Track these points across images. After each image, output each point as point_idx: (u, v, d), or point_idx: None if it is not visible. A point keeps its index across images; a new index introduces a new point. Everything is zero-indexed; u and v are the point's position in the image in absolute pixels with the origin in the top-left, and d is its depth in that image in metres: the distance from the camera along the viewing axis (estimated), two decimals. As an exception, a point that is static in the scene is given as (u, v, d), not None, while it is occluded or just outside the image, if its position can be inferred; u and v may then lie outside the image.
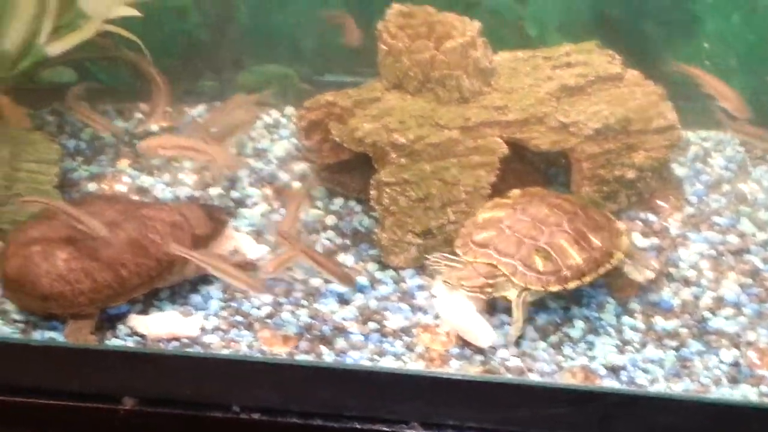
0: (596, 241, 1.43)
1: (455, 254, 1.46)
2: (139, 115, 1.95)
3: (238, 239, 1.60)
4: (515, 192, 1.53)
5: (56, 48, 1.69)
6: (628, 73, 1.62)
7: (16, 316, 1.46)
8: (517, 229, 1.44)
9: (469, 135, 1.51)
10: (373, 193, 1.52)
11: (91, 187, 1.73)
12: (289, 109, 1.98)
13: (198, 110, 1.99)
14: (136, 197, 1.69)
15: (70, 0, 1.68)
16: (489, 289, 1.41)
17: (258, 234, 1.63)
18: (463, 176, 1.51)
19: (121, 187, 1.73)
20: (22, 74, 1.70)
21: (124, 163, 1.81)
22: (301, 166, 1.80)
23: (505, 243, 1.42)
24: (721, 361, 1.38)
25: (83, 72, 1.94)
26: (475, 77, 1.54)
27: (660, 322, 1.45)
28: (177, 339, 1.42)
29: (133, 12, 1.69)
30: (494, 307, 1.46)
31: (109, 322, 1.45)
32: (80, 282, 1.39)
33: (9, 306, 1.47)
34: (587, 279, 1.42)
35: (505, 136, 1.52)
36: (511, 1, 1.86)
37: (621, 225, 1.50)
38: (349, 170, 1.68)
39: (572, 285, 1.41)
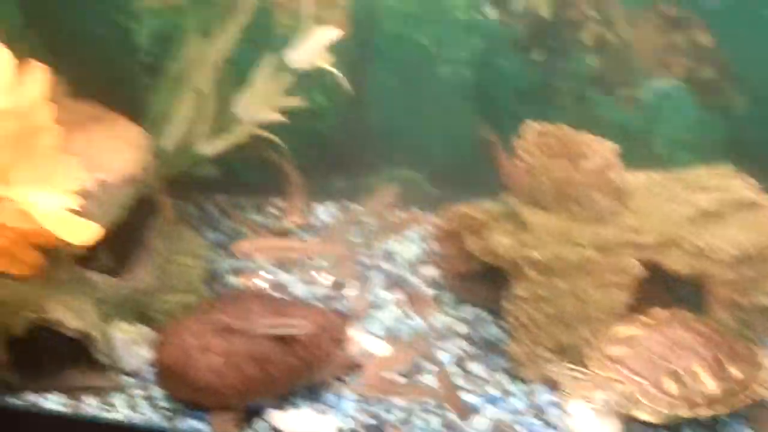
0: (734, 371, 1.44)
1: (584, 369, 1.49)
2: (273, 210, 2.07)
3: (369, 342, 1.67)
4: (652, 311, 1.55)
5: (210, 149, 1.82)
6: (764, 199, 1.64)
7: (163, 404, 1.55)
8: (652, 348, 1.46)
9: (605, 254, 1.55)
10: (507, 306, 1.56)
11: (233, 281, 1.83)
12: (415, 212, 2.07)
13: (326, 208, 2.10)
14: (275, 293, 1.79)
15: (225, 105, 1.82)
16: (618, 408, 1.42)
17: (389, 337, 1.69)
18: (598, 295, 1.54)
19: (260, 283, 1.83)
20: (177, 172, 1.83)
21: (260, 256, 1.91)
22: (430, 271, 1.87)
23: (637, 361, 1.44)
24: None
25: (223, 166, 2.07)
26: (612, 198, 1.59)
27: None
28: (314, 437, 1.48)
29: (281, 118, 1.82)
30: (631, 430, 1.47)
31: (248, 415, 1.52)
32: (231, 376, 1.47)
33: (156, 392, 1.56)
34: (721, 409, 1.42)
35: (641, 257, 1.56)
36: (639, 117, 1.91)
37: (762, 357, 1.50)
38: (479, 280, 1.73)
39: (704, 413, 1.41)
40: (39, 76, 1.35)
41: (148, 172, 1.58)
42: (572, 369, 1.50)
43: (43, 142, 1.36)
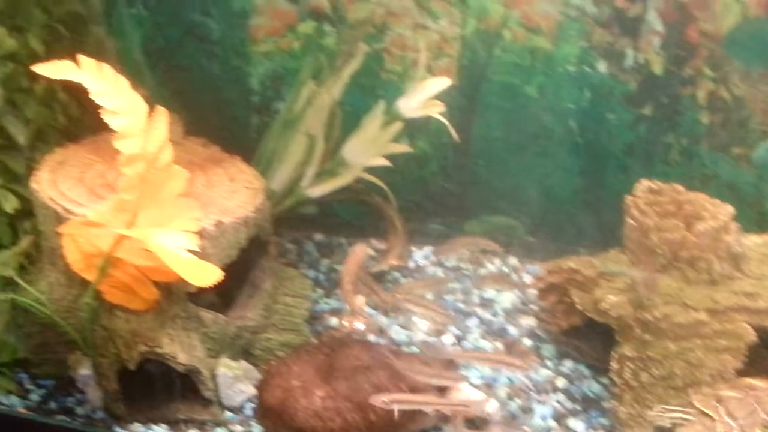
0: None
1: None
2: (371, 252, 2.09)
3: (469, 392, 1.66)
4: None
5: (317, 191, 1.86)
6: None
7: (263, 442, 1.58)
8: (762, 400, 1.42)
9: (717, 318, 1.52)
10: (613, 365, 1.54)
11: (333, 321, 1.85)
12: (513, 260, 2.07)
13: (424, 252, 2.11)
14: (372, 337, 1.80)
15: (334, 150, 1.86)
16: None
17: (489, 387, 1.68)
18: (708, 359, 1.51)
19: (359, 325, 1.85)
20: (283, 212, 1.87)
21: (360, 300, 1.93)
22: (528, 321, 1.86)
23: (738, 406, 1.40)
24: None
25: (323, 205, 2.11)
26: (726, 261, 1.56)
27: None
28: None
29: (386, 162, 1.84)
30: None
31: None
32: (332, 420, 1.49)
33: (257, 429, 1.58)
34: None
35: (754, 323, 1.52)
36: (752, 177, 1.87)
37: None
38: (582, 335, 1.71)
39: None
40: (164, 120, 1.40)
41: (261, 214, 1.62)
42: (668, 409, 1.47)
43: (167, 184, 1.41)
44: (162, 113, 1.37)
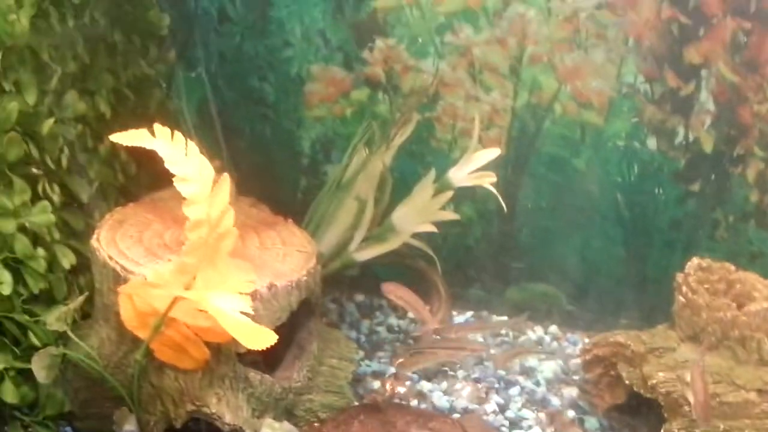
0: None
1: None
2: (411, 314, 2.10)
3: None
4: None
5: (364, 255, 1.89)
6: None
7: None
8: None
9: (766, 399, 1.51)
10: (662, 443, 1.53)
11: (375, 384, 1.86)
12: (553, 328, 2.07)
13: (465, 317, 2.12)
14: (414, 401, 1.80)
15: (383, 215, 1.89)
16: None
17: (531, 459, 1.68)
18: (758, 440, 1.50)
19: (400, 388, 1.85)
20: (329, 274, 1.89)
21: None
22: (570, 392, 1.85)
23: None
24: None
25: (364, 266, 2.13)
26: (777, 342, 1.56)
27: None
28: None
29: (433, 229, 1.87)
30: None
31: None
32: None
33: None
34: None
35: (804, 405, 1.51)
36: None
37: None
38: (627, 409, 1.70)
39: None
40: (227, 186, 1.44)
41: (313, 278, 1.64)
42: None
43: (225, 247, 1.45)
44: (225, 179, 1.41)
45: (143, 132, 1.38)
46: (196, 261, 1.40)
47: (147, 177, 1.89)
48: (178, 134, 1.39)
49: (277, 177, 2.11)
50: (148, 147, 1.35)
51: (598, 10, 1.79)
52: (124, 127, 1.80)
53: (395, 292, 1.84)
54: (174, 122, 2.04)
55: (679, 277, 1.62)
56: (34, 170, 1.58)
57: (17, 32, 1.46)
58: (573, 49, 1.84)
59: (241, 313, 1.40)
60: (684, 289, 1.59)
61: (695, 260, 1.64)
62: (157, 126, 1.39)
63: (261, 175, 2.10)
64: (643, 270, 1.96)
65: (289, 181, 2.11)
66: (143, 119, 1.90)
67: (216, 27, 2.03)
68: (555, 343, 2.03)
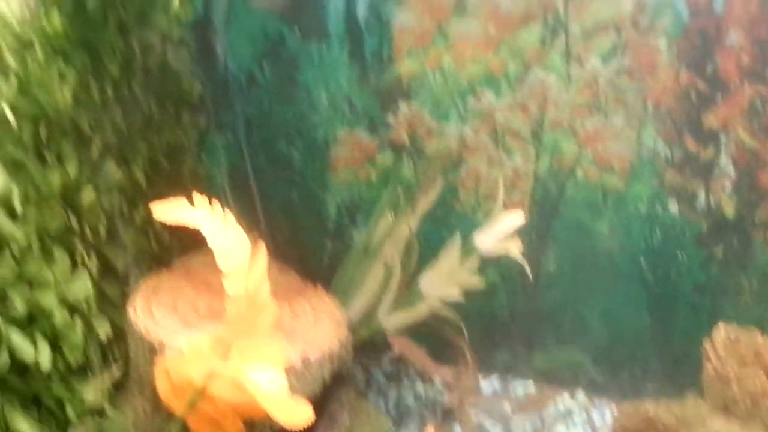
0: None
1: None
2: (438, 380, 2.11)
3: None
4: None
5: (392, 322, 1.90)
6: None
7: None
8: None
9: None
10: None
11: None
12: (580, 394, 2.07)
13: (490, 381, 2.12)
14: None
15: (410, 281, 1.91)
16: None
17: None
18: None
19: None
20: (357, 341, 1.91)
21: (429, 430, 1.94)
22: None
23: None
24: None
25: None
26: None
27: None
28: None
29: (460, 295, 1.89)
30: None
31: None
32: None
33: None
34: None
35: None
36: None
37: None
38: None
39: None
40: (264, 257, 1.47)
41: (344, 347, 1.66)
42: None
43: (260, 318, 1.47)
44: (262, 251, 1.44)
45: (183, 203, 1.41)
46: (233, 334, 1.42)
47: (178, 242, 1.92)
48: (216, 204, 1.42)
49: (303, 241, 2.14)
50: (189, 219, 1.38)
51: (617, 76, 1.84)
52: (158, 194, 1.84)
53: (403, 346, 1.86)
54: (205, 188, 2.09)
55: (707, 345, 1.64)
56: (74, 240, 1.61)
57: (61, 106, 1.50)
58: (593, 114, 1.88)
59: (277, 387, 1.41)
60: (712, 358, 1.60)
61: (722, 328, 1.66)
62: (196, 196, 1.42)
63: (288, 240, 2.13)
64: (668, 334, 1.97)
65: (315, 245, 2.14)
66: (176, 186, 1.95)
67: (245, 93, 2.08)
68: (583, 413, 2.03)
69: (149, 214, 1.80)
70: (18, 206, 1.46)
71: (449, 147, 1.99)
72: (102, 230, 1.67)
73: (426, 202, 1.92)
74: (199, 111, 2.06)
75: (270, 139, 2.10)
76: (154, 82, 1.80)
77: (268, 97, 2.07)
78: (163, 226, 1.87)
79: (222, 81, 2.07)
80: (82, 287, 1.59)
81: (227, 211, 1.45)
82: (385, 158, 2.05)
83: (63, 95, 1.50)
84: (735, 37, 1.73)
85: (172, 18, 1.83)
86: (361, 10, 1.92)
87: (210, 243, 1.36)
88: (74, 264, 1.60)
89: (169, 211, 1.39)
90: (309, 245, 2.14)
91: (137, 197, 1.78)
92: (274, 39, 2.00)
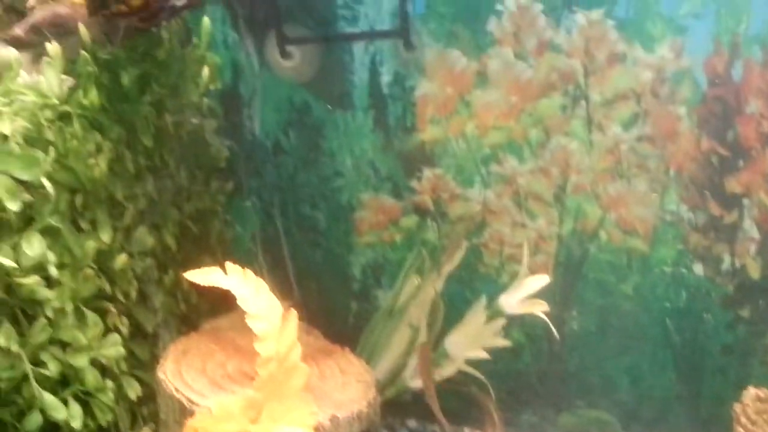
0: None
1: None
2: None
3: None
4: None
5: (418, 382, 1.91)
6: None
7: None
8: None
9: None
10: None
11: None
12: (609, 455, 2.06)
13: (518, 439, 2.12)
14: None
15: (436, 341, 1.93)
16: None
17: None
18: None
19: None
20: (383, 402, 1.91)
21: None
22: None
23: None
24: None
25: (416, 391, 2.14)
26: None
27: None
28: None
29: (486, 356, 1.89)
30: None
31: None
32: None
33: None
34: None
35: None
36: None
37: None
38: None
39: None
40: (295, 321, 1.49)
41: (373, 408, 1.67)
42: None
43: (294, 383, 1.49)
44: (293, 315, 1.47)
45: (216, 270, 1.44)
46: (263, 396, 1.43)
47: (205, 304, 1.96)
48: (249, 272, 1.45)
49: (328, 302, 2.17)
50: (223, 285, 1.42)
51: (638, 142, 1.87)
52: (187, 258, 1.89)
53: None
54: (233, 252, 2.13)
55: (737, 408, 1.63)
56: (106, 304, 1.65)
57: (96, 176, 1.55)
58: (615, 179, 1.91)
59: (306, 447, 1.42)
60: (743, 421, 1.60)
61: (752, 390, 1.65)
62: (229, 264, 1.45)
63: (313, 300, 2.16)
64: (696, 395, 1.96)
65: (340, 306, 2.16)
66: (204, 249, 1.99)
67: (271, 159, 2.13)
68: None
69: (179, 277, 1.85)
70: (54, 272, 1.50)
71: (473, 211, 2.02)
72: (133, 293, 1.70)
73: (450, 264, 1.95)
74: (227, 177, 2.11)
75: (295, 203, 2.14)
76: (184, 150, 1.86)
77: (294, 162, 2.12)
78: (192, 288, 1.92)
79: (249, 148, 2.13)
80: (113, 349, 1.62)
81: (260, 279, 1.49)
82: (409, 221, 2.09)
83: (99, 166, 1.55)
84: (754, 104, 1.76)
85: (202, 89, 1.89)
86: (385, 80, 1.98)
87: (244, 307, 1.39)
88: (106, 326, 1.63)
89: (203, 277, 1.43)
90: (334, 306, 2.16)
91: (167, 261, 1.82)
92: (300, 108, 2.07)
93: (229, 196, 2.12)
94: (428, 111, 1.98)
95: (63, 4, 1.47)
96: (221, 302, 1.60)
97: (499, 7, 1.85)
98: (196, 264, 1.93)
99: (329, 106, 1.98)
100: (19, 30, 1.51)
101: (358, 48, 1.97)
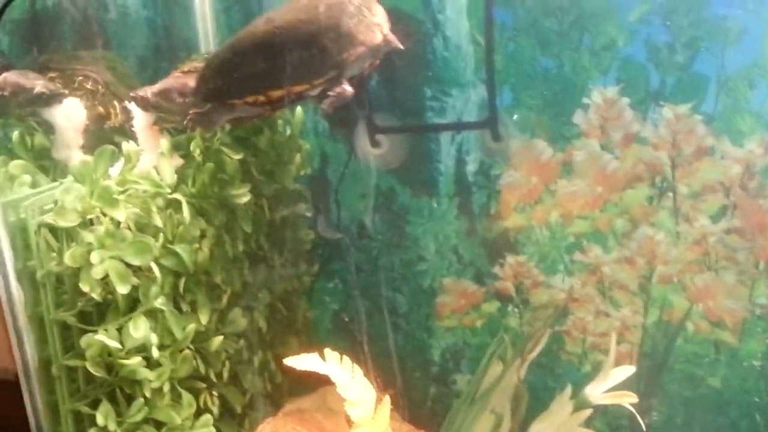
0: None
1: None
2: None
3: None
4: None
5: (501, 471, 1.90)
6: None
7: None
8: None
9: None
10: None
11: None
12: None
13: None
14: None
15: (519, 429, 1.92)
16: None
17: None
18: None
19: None
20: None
21: None
22: None
23: None
24: None
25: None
26: None
27: None
28: None
29: (569, 446, 1.88)
30: None
31: None
32: None
33: None
34: None
35: None
36: None
37: None
38: None
39: None
40: (388, 407, 1.51)
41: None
42: None
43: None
44: (386, 402, 1.49)
45: (314, 356, 1.48)
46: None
47: (288, 383, 1.99)
48: (346, 359, 1.48)
49: (407, 385, 2.18)
50: (321, 371, 1.45)
51: (727, 234, 1.87)
52: (274, 338, 1.94)
53: None
54: (313, 333, 2.17)
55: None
56: (199, 384, 1.69)
57: (200, 260, 1.62)
58: (703, 270, 1.90)
59: None
60: None
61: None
62: (327, 351, 1.49)
63: (392, 383, 2.17)
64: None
65: (419, 389, 2.17)
66: (290, 330, 2.04)
67: (355, 242, 2.18)
68: None
69: (266, 357, 1.89)
70: (155, 353, 1.55)
71: (556, 298, 2.03)
72: (225, 374, 1.74)
73: (534, 351, 1.95)
74: (311, 259, 2.16)
75: (377, 286, 2.18)
76: (277, 234, 1.92)
77: (378, 246, 2.16)
78: (278, 368, 1.96)
79: (334, 230, 2.19)
80: (205, 430, 1.66)
81: (356, 366, 1.51)
82: (491, 307, 2.10)
83: (202, 251, 1.62)
84: None
85: (294, 175, 1.96)
86: (471, 168, 2.03)
87: (342, 394, 1.42)
88: (198, 406, 1.67)
89: (302, 362, 1.46)
90: (413, 389, 2.17)
91: (257, 341, 1.86)
92: (386, 193, 2.12)
93: (313, 278, 2.17)
94: (513, 199, 2.01)
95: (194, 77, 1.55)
96: (303, 381, 1.63)
97: (585, 100, 1.89)
98: (283, 345, 1.99)
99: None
100: (146, 92, 1.59)
101: (444, 137, 2.03)
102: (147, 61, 2.10)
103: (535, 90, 1.92)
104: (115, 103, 1.74)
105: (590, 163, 1.93)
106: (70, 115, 1.75)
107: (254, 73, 1.45)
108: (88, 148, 1.74)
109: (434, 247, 2.12)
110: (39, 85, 1.73)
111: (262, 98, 1.47)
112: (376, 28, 1.48)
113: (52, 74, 1.80)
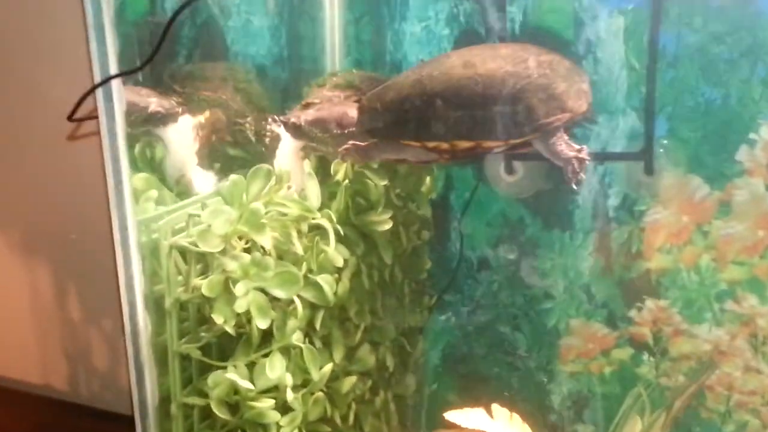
0: None
1: None
2: None
3: None
4: None
5: None
6: None
7: None
8: None
9: None
10: None
11: None
12: None
13: None
14: None
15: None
16: None
17: None
18: None
19: None
20: None
21: None
22: None
23: None
24: None
25: None
26: None
27: None
28: None
29: None
30: None
31: None
32: None
33: None
34: None
35: None
36: None
37: None
38: None
39: None
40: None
41: None
42: None
43: None
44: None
45: (480, 412, 1.32)
46: None
47: (400, 428, 1.84)
48: (515, 416, 1.33)
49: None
50: (488, 429, 1.29)
51: None
52: (393, 377, 1.78)
53: None
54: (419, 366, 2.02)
55: None
56: (324, 427, 1.54)
57: (339, 293, 1.47)
58: None
59: None
60: None
61: None
62: (496, 407, 1.33)
63: (508, 429, 2.01)
64: None
65: (537, 436, 2.01)
66: (407, 367, 1.88)
67: (474, 274, 2.02)
68: None
69: (387, 398, 1.74)
70: (290, 396, 1.40)
71: (700, 349, 1.85)
72: (351, 417, 1.59)
73: (680, 407, 1.77)
74: (425, 289, 2.01)
75: (494, 322, 2.02)
76: (407, 263, 1.77)
77: (499, 279, 2.00)
78: (396, 410, 1.81)
79: (451, 260, 2.03)
80: (330, 476, 1.51)
81: (524, 423, 1.36)
82: (623, 353, 1.93)
83: (342, 282, 1.47)
84: None
85: (425, 200, 1.81)
86: (613, 202, 1.86)
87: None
88: (322, 450, 1.53)
89: (466, 418, 1.31)
90: (533, 437, 2.01)
91: (380, 380, 1.71)
92: (514, 223, 1.96)
93: (428, 310, 2.01)
94: (658, 238, 1.84)
95: (353, 106, 1.41)
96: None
97: (752, 135, 1.72)
98: (399, 384, 1.83)
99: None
100: (299, 119, 1.45)
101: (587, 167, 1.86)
102: (266, 70, 1.96)
103: (694, 122, 1.75)
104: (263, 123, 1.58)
105: (753, 204, 1.75)
106: (185, 134, 1.62)
107: (444, 119, 1.29)
108: (205, 165, 1.60)
109: (563, 284, 1.95)
110: (153, 103, 1.59)
111: (445, 146, 1.31)
112: (583, 96, 1.32)
113: (175, 98, 1.64)
